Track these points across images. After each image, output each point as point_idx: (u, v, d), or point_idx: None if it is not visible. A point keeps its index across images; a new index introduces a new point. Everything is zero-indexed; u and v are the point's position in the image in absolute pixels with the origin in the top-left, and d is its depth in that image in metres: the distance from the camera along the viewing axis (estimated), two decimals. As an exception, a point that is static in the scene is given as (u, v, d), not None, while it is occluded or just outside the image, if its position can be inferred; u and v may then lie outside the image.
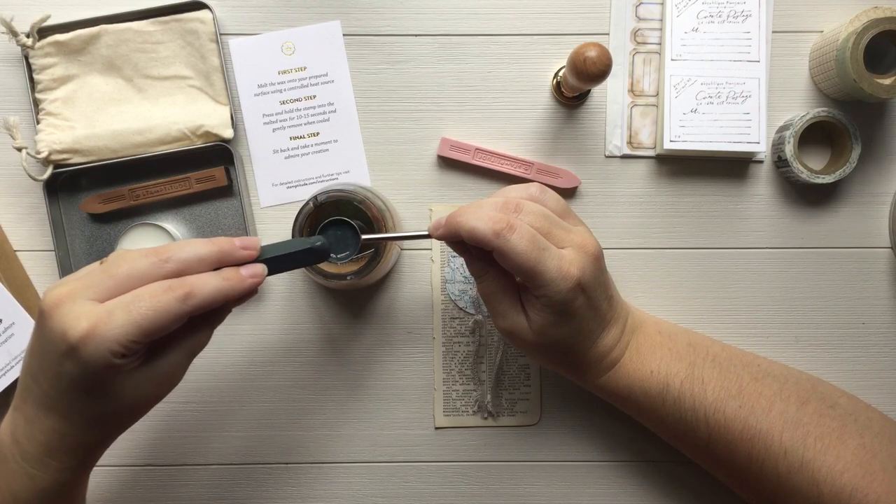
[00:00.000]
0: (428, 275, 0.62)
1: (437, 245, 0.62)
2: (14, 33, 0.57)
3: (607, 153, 0.62)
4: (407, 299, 0.62)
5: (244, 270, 0.45)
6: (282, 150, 0.62)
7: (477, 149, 0.61)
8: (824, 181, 0.59)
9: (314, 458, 0.63)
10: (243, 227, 0.61)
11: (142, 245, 0.59)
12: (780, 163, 0.60)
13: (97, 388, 0.42)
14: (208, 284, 0.42)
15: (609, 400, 0.56)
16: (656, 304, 0.62)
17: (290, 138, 0.62)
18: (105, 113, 0.60)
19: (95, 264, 0.44)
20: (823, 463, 0.49)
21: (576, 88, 0.58)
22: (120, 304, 0.40)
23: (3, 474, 0.44)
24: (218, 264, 0.44)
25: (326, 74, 0.61)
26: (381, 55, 0.61)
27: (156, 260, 0.42)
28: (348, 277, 0.54)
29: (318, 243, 0.49)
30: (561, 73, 0.60)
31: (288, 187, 0.62)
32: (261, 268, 0.46)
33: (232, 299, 0.44)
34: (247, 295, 0.45)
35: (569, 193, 0.62)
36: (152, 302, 0.40)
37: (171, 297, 0.41)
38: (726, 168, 0.61)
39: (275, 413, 0.62)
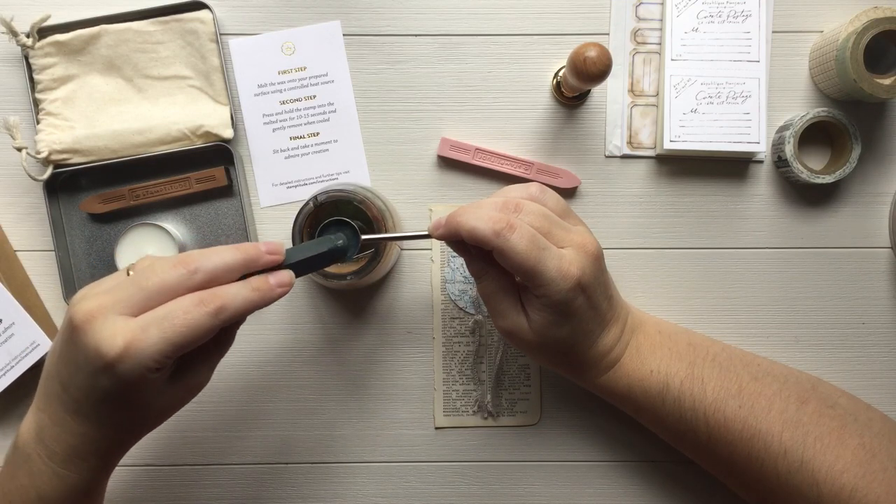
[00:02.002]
0: (428, 275, 0.62)
1: (437, 245, 0.62)
2: (14, 33, 0.57)
3: (607, 153, 0.62)
4: (407, 299, 0.62)
5: (272, 279, 0.44)
6: (282, 150, 0.62)
7: (477, 149, 0.61)
8: (824, 181, 0.59)
9: (314, 458, 0.63)
10: (243, 227, 0.61)
11: (142, 245, 0.59)
12: (780, 163, 0.60)
13: (129, 401, 0.43)
14: (238, 296, 0.43)
15: (609, 399, 0.56)
16: (656, 304, 0.62)
17: (290, 138, 0.62)
18: (105, 113, 0.60)
19: (122, 274, 0.44)
20: (823, 463, 0.49)
21: (576, 88, 0.58)
22: (153, 320, 0.40)
23: (28, 473, 0.45)
24: (244, 272, 0.44)
25: (326, 74, 0.61)
26: (381, 55, 0.61)
27: (184, 272, 0.42)
28: (348, 277, 0.54)
29: (340, 242, 0.50)
30: (561, 73, 0.60)
31: (288, 187, 0.62)
32: (288, 275, 0.46)
33: (260, 308, 0.44)
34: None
35: (569, 193, 0.62)
36: (185, 318, 0.41)
37: (204, 312, 0.41)
38: (726, 168, 0.61)
39: (275, 413, 0.62)
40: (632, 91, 0.61)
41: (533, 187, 0.51)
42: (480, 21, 0.61)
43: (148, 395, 0.43)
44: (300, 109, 0.62)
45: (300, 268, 0.47)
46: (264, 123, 0.62)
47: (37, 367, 0.58)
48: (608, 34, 0.61)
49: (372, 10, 0.61)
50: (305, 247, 0.49)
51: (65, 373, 0.43)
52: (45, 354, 0.58)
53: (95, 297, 0.41)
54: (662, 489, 0.62)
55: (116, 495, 0.62)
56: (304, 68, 0.61)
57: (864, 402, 0.54)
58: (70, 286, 0.60)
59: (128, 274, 0.43)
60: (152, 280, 0.41)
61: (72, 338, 0.41)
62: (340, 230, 0.52)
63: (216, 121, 0.59)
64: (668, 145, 0.59)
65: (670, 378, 0.53)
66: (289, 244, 0.50)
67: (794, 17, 0.61)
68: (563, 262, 0.48)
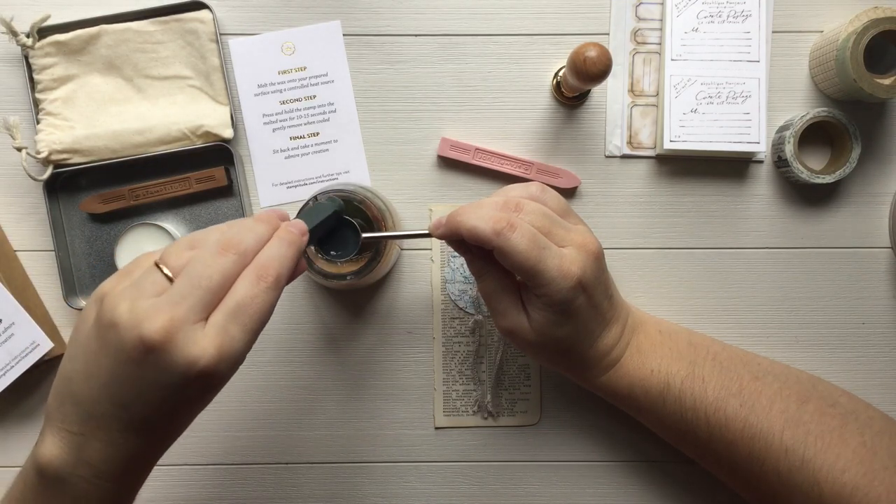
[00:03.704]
0: (428, 275, 0.62)
1: (437, 245, 0.62)
2: (14, 33, 0.57)
3: (607, 153, 0.62)
4: (407, 299, 0.62)
5: (292, 228, 0.44)
6: (282, 150, 0.62)
7: (477, 149, 0.61)
8: (824, 181, 0.59)
9: (314, 458, 0.62)
10: (243, 227, 0.61)
11: (142, 245, 0.59)
12: (780, 163, 0.60)
13: (207, 401, 0.42)
14: (284, 258, 0.42)
15: (609, 399, 0.56)
16: (656, 304, 0.62)
17: (290, 138, 0.62)
18: (105, 113, 0.60)
19: (150, 270, 0.41)
20: (824, 462, 0.49)
21: (576, 88, 0.58)
22: (229, 316, 0.39)
23: (71, 498, 0.42)
24: (270, 237, 0.44)
25: (326, 74, 0.61)
26: (381, 55, 0.61)
27: (236, 257, 0.41)
28: (348, 277, 0.54)
29: (337, 203, 0.51)
30: (561, 73, 0.60)
31: (288, 187, 0.62)
32: (299, 221, 0.45)
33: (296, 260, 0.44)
34: (297, 269, 0.45)
35: (569, 193, 0.62)
36: (255, 302, 0.40)
37: (265, 288, 0.40)
38: (726, 168, 0.61)
39: (275, 413, 0.62)
40: (632, 91, 0.61)
41: (533, 187, 0.51)
42: (480, 21, 0.61)
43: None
44: (300, 109, 0.62)
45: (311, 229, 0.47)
46: (264, 123, 0.62)
47: (36, 369, 0.58)
48: (608, 34, 0.61)
49: (372, 10, 0.61)
50: (305, 212, 0.50)
51: (128, 394, 0.40)
52: (45, 359, 0.58)
53: (158, 310, 0.38)
54: (662, 489, 0.62)
55: (116, 495, 0.62)
56: (304, 68, 0.61)
57: (864, 400, 0.54)
58: (70, 286, 0.60)
59: (159, 268, 0.41)
60: (214, 278, 0.40)
61: (147, 359, 0.38)
62: (340, 229, 0.52)
63: (216, 121, 0.59)
64: (668, 145, 0.59)
65: (671, 377, 0.53)
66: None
67: (794, 17, 0.61)
68: (563, 261, 0.48)
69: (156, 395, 0.39)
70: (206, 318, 0.39)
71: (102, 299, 0.40)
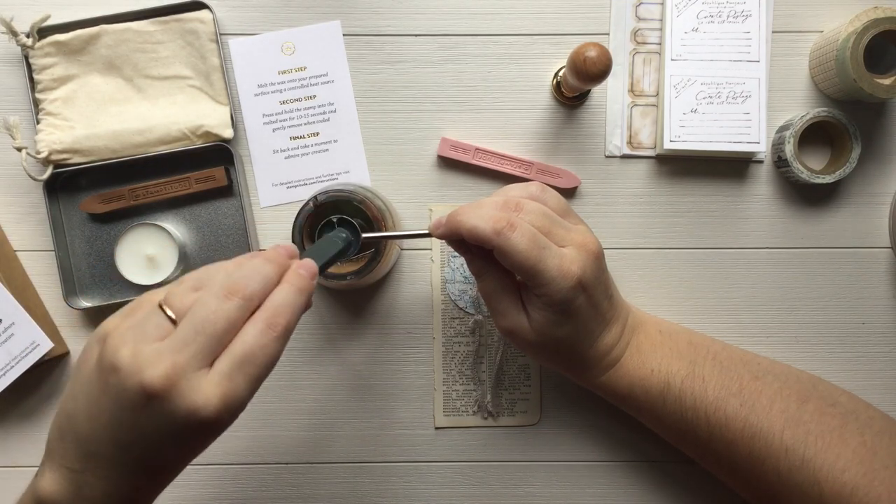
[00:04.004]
0: (428, 275, 0.62)
1: (437, 245, 0.62)
2: (14, 33, 0.57)
3: (607, 153, 0.62)
4: (407, 299, 0.62)
5: (302, 271, 0.43)
6: (282, 150, 0.62)
7: (477, 149, 0.61)
8: (824, 181, 0.59)
9: (314, 458, 0.62)
10: (243, 227, 0.61)
11: (142, 245, 0.59)
12: (780, 163, 0.60)
13: (208, 444, 0.42)
14: (294, 306, 0.41)
15: (609, 399, 0.56)
16: (656, 304, 0.62)
17: (290, 138, 0.62)
18: (105, 113, 0.60)
19: (152, 311, 0.40)
20: (825, 461, 0.49)
21: (576, 88, 0.58)
22: (235, 366, 0.38)
23: None
24: (279, 278, 0.42)
25: (326, 74, 0.61)
26: (381, 55, 0.61)
27: (242, 302, 0.39)
28: (348, 277, 0.54)
29: (344, 235, 0.50)
30: (561, 73, 0.60)
31: (288, 187, 0.62)
32: (310, 262, 0.44)
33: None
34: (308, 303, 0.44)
35: (569, 193, 0.62)
36: (264, 352, 0.39)
37: (274, 338, 0.39)
38: (726, 168, 0.61)
39: (274, 413, 0.62)
40: (632, 91, 0.61)
41: (533, 186, 0.51)
42: (480, 21, 0.61)
43: None
44: (300, 109, 0.62)
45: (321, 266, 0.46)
46: (264, 123, 0.62)
47: (36, 369, 0.58)
48: (608, 34, 0.61)
49: (372, 10, 0.61)
50: (315, 246, 0.49)
51: (129, 437, 0.39)
52: (45, 359, 0.58)
53: (160, 356, 0.37)
54: (662, 489, 0.62)
55: (116, 495, 0.62)
56: (304, 68, 0.61)
57: (864, 400, 0.54)
58: (70, 286, 0.60)
59: (161, 309, 0.40)
60: (218, 324, 0.39)
61: (148, 406, 0.38)
62: (340, 228, 0.52)
63: (216, 121, 0.59)
64: (668, 145, 0.59)
65: (671, 377, 0.53)
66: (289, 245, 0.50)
67: (794, 17, 0.61)
68: (563, 260, 0.48)
69: (157, 441, 0.39)
70: (210, 364, 0.38)
71: (105, 339, 0.39)
